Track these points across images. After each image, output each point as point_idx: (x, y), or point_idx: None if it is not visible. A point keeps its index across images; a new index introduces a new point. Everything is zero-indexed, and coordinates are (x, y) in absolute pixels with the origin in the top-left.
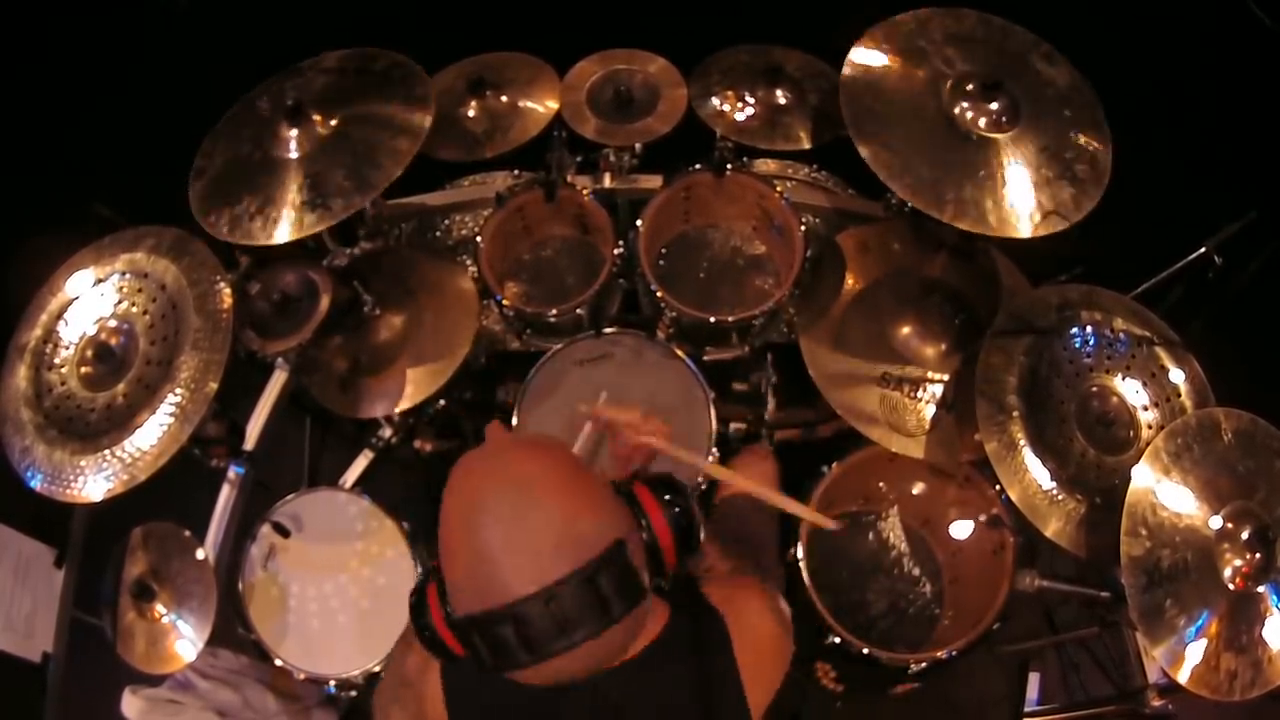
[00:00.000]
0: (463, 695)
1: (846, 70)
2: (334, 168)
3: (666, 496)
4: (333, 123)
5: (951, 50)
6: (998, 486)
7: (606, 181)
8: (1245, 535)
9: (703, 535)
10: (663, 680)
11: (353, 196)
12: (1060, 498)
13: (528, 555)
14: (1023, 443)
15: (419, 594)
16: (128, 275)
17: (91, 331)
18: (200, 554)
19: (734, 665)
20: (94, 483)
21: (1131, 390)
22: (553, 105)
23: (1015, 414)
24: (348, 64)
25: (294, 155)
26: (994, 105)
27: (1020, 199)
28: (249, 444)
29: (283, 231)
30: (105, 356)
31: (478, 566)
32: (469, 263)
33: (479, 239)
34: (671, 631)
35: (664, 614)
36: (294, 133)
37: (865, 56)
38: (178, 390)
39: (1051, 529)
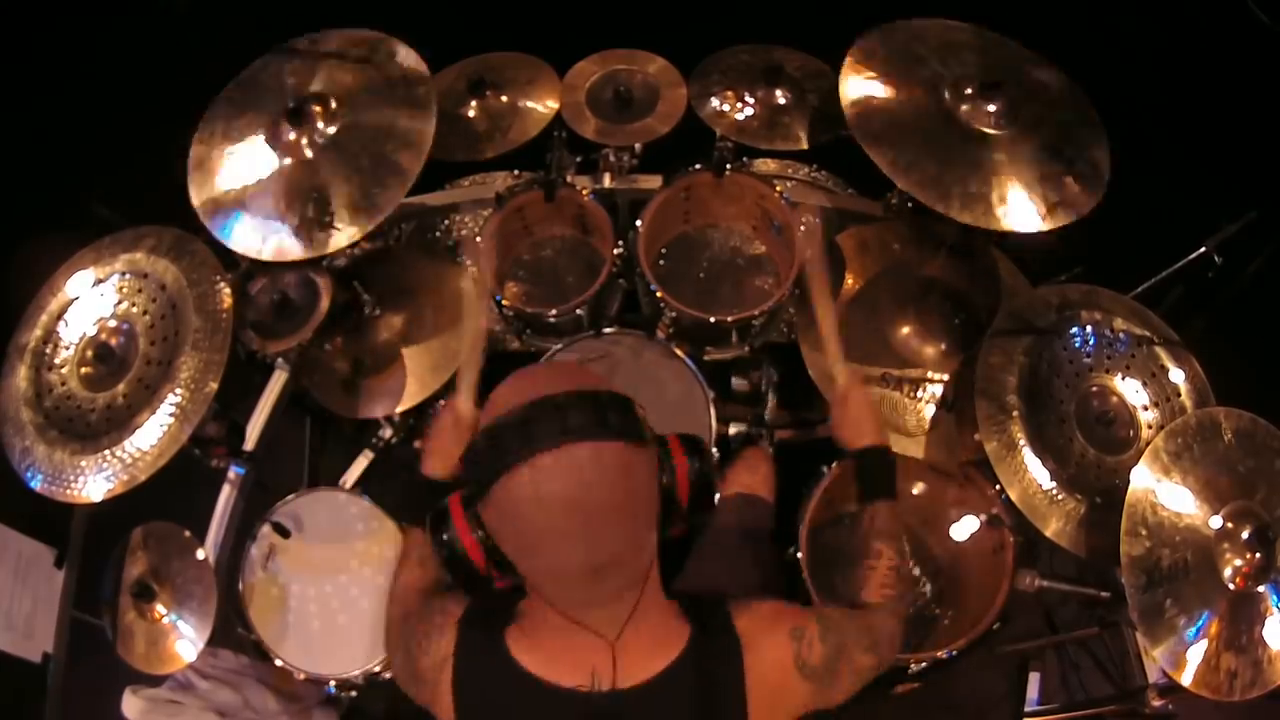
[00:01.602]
0: (473, 693)
1: (848, 109)
2: (341, 184)
3: (694, 448)
4: (333, 130)
5: (947, 55)
6: (998, 486)
7: (606, 181)
8: (1245, 535)
9: (717, 498)
10: (676, 708)
11: (362, 219)
12: (1060, 498)
13: (546, 382)
14: (1022, 443)
15: (441, 513)
16: (128, 275)
17: (91, 332)
18: (200, 554)
19: (744, 704)
20: (94, 483)
21: (1131, 390)
22: (553, 105)
23: (1015, 414)
24: (347, 50)
25: (296, 161)
26: (992, 106)
27: (1025, 193)
28: (249, 444)
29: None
30: (105, 357)
31: (497, 405)
32: (469, 263)
33: (479, 239)
34: (689, 659)
35: (685, 634)
36: (292, 134)
37: (858, 87)
38: (178, 390)
39: (1051, 529)
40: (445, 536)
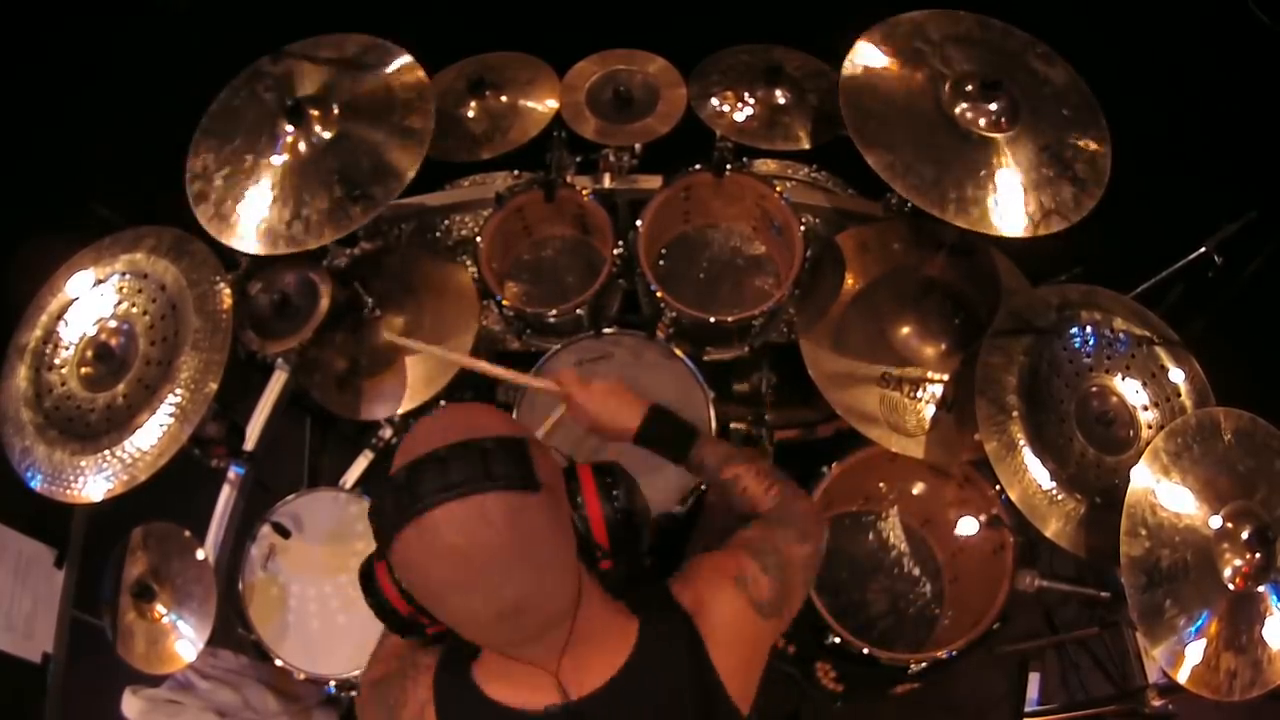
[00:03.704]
0: None
1: (846, 70)
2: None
3: (608, 481)
4: (328, 134)
5: (950, 51)
6: (998, 486)
7: (606, 181)
8: (1245, 535)
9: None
10: (643, 700)
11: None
12: (1060, 498)
13: (436, 433)
14: (1022, 443)
15: (367, 568)
16: (128, 276)
17: (91, 332)
18: (200, 554)
19: (712, 670)
20: (94, 483)
21: (1131, 390)
22: (553, 105)
23: (1015, 414)
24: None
25: (292, 158)
26: (993, 105)
27: (1020, 199)
28: (249, 444)
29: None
30: (105, 357)
31: (397, 459)
32: (469, 263)
33: (479, 239)
34: (643, 650)
35: (633, 629)
36: (290, 131)
37: (865, 55)
38: (178, 390)
39: (1051, 529)
40: (373, 587)
